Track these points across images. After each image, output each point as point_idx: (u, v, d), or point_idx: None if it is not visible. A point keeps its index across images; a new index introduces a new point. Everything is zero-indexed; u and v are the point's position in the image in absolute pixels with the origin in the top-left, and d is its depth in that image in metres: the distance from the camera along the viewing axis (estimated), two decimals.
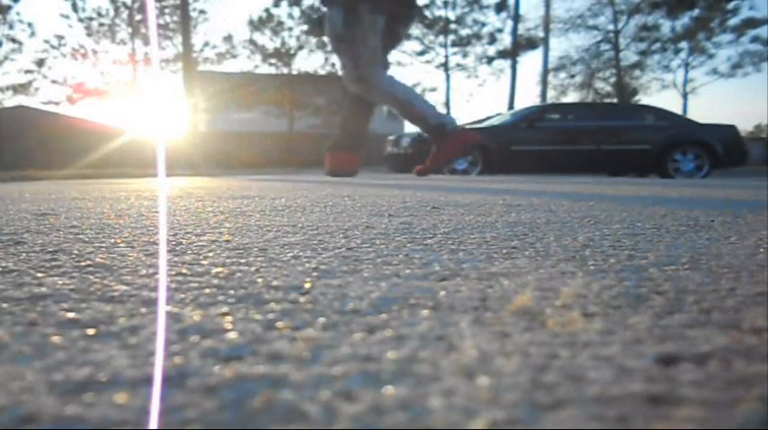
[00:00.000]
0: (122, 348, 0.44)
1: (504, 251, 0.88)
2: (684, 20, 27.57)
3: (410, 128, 31.39)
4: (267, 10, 26.75)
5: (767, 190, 2.63)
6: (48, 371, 0.39)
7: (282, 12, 27.44)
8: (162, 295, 0.60)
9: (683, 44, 28.42)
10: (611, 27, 29.20)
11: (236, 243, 0.97)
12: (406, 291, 0.62)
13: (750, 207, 1.64)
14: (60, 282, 0.66)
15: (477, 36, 27.85)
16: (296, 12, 26.58)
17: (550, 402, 0.34)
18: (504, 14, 27.80)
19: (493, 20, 32.98)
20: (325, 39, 4.65)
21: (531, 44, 27.70)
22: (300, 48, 26.55)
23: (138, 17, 25.31)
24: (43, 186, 3.45)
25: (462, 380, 0.37)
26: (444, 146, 4.61)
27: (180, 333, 0.47)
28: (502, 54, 27.84)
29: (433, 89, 29.29)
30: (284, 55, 26.72)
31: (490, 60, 28.31)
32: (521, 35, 26.82)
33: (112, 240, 1.01)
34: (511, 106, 23.18)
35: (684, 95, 28.68)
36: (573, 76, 30.77)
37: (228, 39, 27.10)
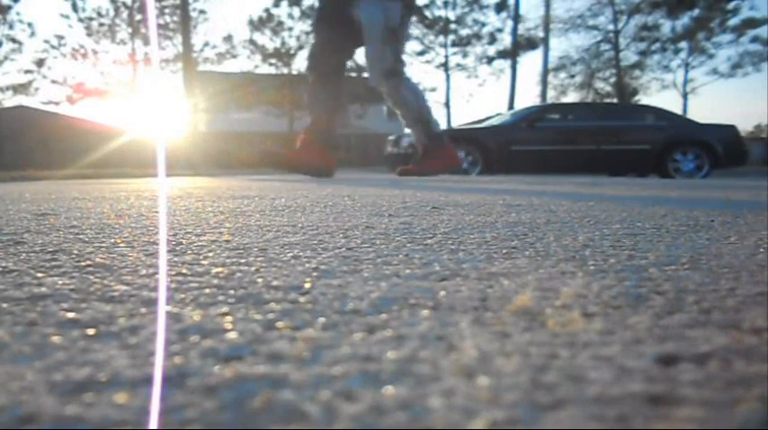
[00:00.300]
0: (122, 348, 0.44)
1: (504, 251, 0.88)
2: (684, 20, 27.60)
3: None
4: (267, 10, 26.76)
5: (767, 190, 2.63)
6: (48, 371, 0.39)
7: (282, 12, 27.44)
8: (162, 295, 0.60)
9: (683, 44, 28.44)
10: (611, 27, 29.23)
11: (236, 243, 0.97)
12: (406, 291, 0.62)
13: (750, 207, 1.64)
14: (60, 282, 0.66)
15: (477, 36, 27.86)
16: (296, 12, 26.58)
17: (550, 402, 0.34)
18: (504, 14, 27.83)
19: (493, 20, 33.03)
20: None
21: (531, 44, 27.71)
22: (300, 48, 26.53)
23: (138, 17, 25.32)
24: (43, 186, 3.45)
25: (462, 380, 0.37)
26: (439, 155, 4.74)
27: (180, 333, 0.47)
28: (502, 54, 27.85)
29: (433, 89, 29.31)
30: (284, 55, 26.72)
31: (490, 60, 28.32)
32: (521, 35, 26.83)
33: (112, 240, 1.01)
34: (511, 106, 23.18)
35: (684, 95, 28.69)
36: (573, 76, 30.81)
37: (228, 39, 27.11)
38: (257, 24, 26.88)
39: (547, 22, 22.82)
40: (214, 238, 1.03)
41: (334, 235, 1.07)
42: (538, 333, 0.47)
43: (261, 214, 1.47)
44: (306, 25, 25.62)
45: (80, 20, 25.62)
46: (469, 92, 53.82)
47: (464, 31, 27.77)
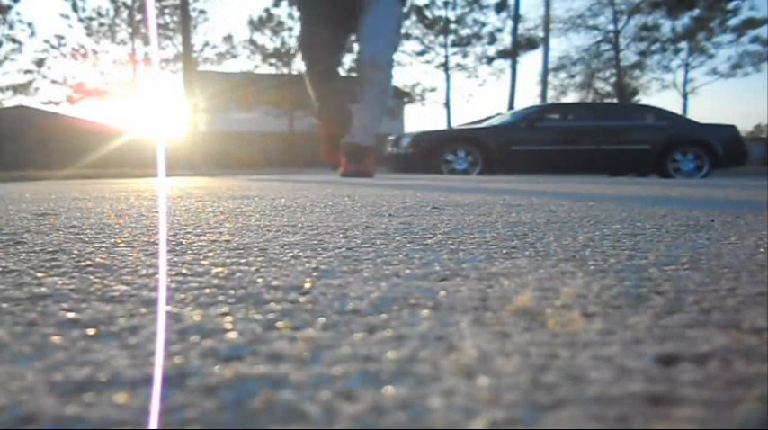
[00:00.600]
0: (122, 348, 0.44)
1: (504, 251, 0.88)
2: (684, 20, 27.60)
3: (410, 128, 31.40)
4: (267, 10, 26.76)
5: (767, 190, 2.63)
6: (48, 371, 0.39)
7: (282, 12, 27.40)
8: (162, 295, 0.60)
9: (683, 44, 28.43)
10: (611, 27, 29.24)
11: (236, 243, 0.97)
12: (406, 291, 0.62)
13: (750, 207, 1.64)
14: (60, 282, 0.66)
15: (477, 36, 27.86)
16: (296, 12, 26.55)
17: (550, 402, 0.34)
18: (504, 14, 27.82)
19: (493, 20, 32.99)
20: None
21: (531, 44, 27.71)
22: None
23: (138, 17, 25.32)
24: (43, 186, 3.45)
25: (462, 380, 0.37)
26: (370, 161, 4.98)
27: (180, 333, 0.47)
28: (502, 54, 27.85)
29: (433, 89, 29.27)
30: (284, 55, 26.72)
31: (490, 60, 28.31)
32: (521, 35, 26.82)
33: (112, 240, 1.01)
34: (511, 106, 23.17)
35: (684, 95, 28.68)
36: (573, 76, 30.81)
37: (228, 39, 27.12)
38: (257, 24, 26.88)
39: (547, 22, 22.78)
40: (214, 238, 1.03)
41: (334, 235, 1.07)
42: (538, 333, 0.47)
43: (261, 214, 1.47)
44: None
45: (80, 20, 25.63)
46: (469, 92, 53.80)
47: (464, 31, 27.79)
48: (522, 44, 27.08)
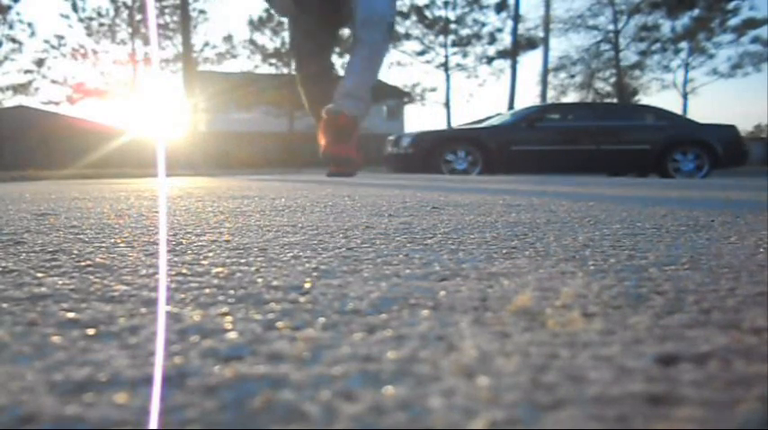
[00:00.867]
0: (122, 348, 0.44)
1: (504, 251, 0.88)
2: (684, 20, 27.60)
3: (410, 128, 31.38)
4: (267, 10, 26.74)
5: (767, 190, 2.63)
6: (48, 371, 0.39)
7: None
8: (162, 295, 0.60)
9: (683, 44, 28.44)
10: (611, 27, 29.24)
11: (236, 243, 0.97)
12: (406, 291, 0.62)
13: (750, 207, 1.64)
14: (60, 282, 0.66)
15: (477, 36, 27.87)
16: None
17: (550, 402, 0.34)
18: (504, 14, 27.84)
19: (493, 20, 33.05)
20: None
21: (531, 44, 27.71)
22: None
23: (138, 17, 25.32)
24: (43, 186, 3.45)
25: (462, 380, 0.37)
26: (353, 142, 4.66)
27: (180, 333, 0.47)
28: (502, 54, 27.85)
29: (433, 89, 29.29)
30: (284, 55, 26.71)
31: (490, 60, 28.32)
32: (521, 35, 26.82)
33: (112, 240, 1.01)
34: (511, 106, 23.16)
35: (684, 95, 28.69)
36: (573, 76, 30.81)
37: (228, 39, 27.15)
38: (257, 24, 26.90)
39: (547, 22, 22.78)
40: (214, 238, 1.03)
41: (334, 235, 1.07)
42: (538, 333, 0.47)
43: (261, 214, 1.47)
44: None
45: (80, 20, 25.63)
46: (469, 92, 53.89)
47: (464, 31, 27.80)
48: (522, 44, 27.08)
